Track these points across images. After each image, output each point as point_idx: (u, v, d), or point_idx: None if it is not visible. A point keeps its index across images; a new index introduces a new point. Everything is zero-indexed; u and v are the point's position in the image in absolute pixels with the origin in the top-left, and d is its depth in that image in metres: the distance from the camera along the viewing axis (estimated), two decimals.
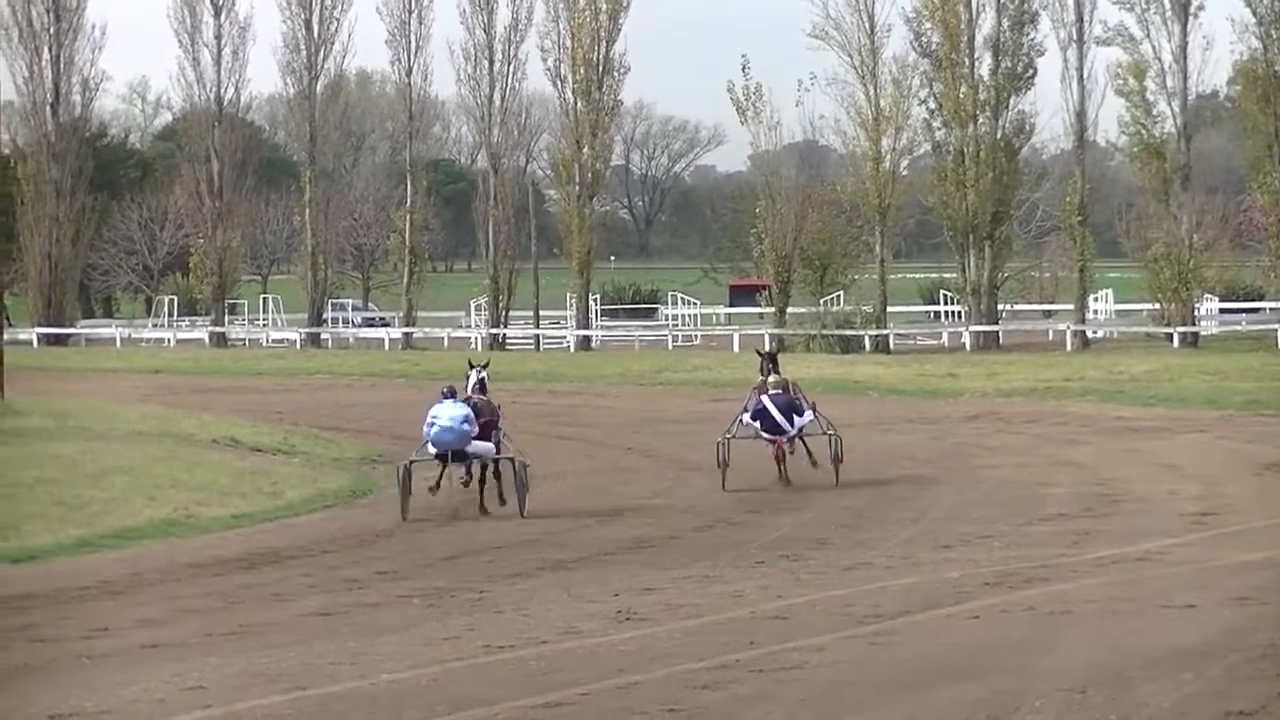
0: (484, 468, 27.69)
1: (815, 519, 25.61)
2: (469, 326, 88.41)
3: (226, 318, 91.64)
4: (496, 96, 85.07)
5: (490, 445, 27.66)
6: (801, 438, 30.18)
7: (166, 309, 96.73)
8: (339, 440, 38.50)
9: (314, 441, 37.40)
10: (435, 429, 27.43)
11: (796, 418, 30.26)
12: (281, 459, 33.66)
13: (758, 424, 30.32)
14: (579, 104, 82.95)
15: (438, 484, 27.40)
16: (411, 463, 27.44)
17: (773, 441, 30.19)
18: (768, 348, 36.26)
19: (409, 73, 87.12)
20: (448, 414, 27.42)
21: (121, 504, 25.83)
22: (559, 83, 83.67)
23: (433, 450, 27.55)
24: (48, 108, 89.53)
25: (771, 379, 30.99)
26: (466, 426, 27.30)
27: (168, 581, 20.31)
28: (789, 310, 79.50)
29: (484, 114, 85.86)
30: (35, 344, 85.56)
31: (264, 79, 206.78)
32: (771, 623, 16.73)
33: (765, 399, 30.37)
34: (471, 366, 29.61)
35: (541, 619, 17.14)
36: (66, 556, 22.07)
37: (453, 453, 27.38)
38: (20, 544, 22.43)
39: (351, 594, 19.14)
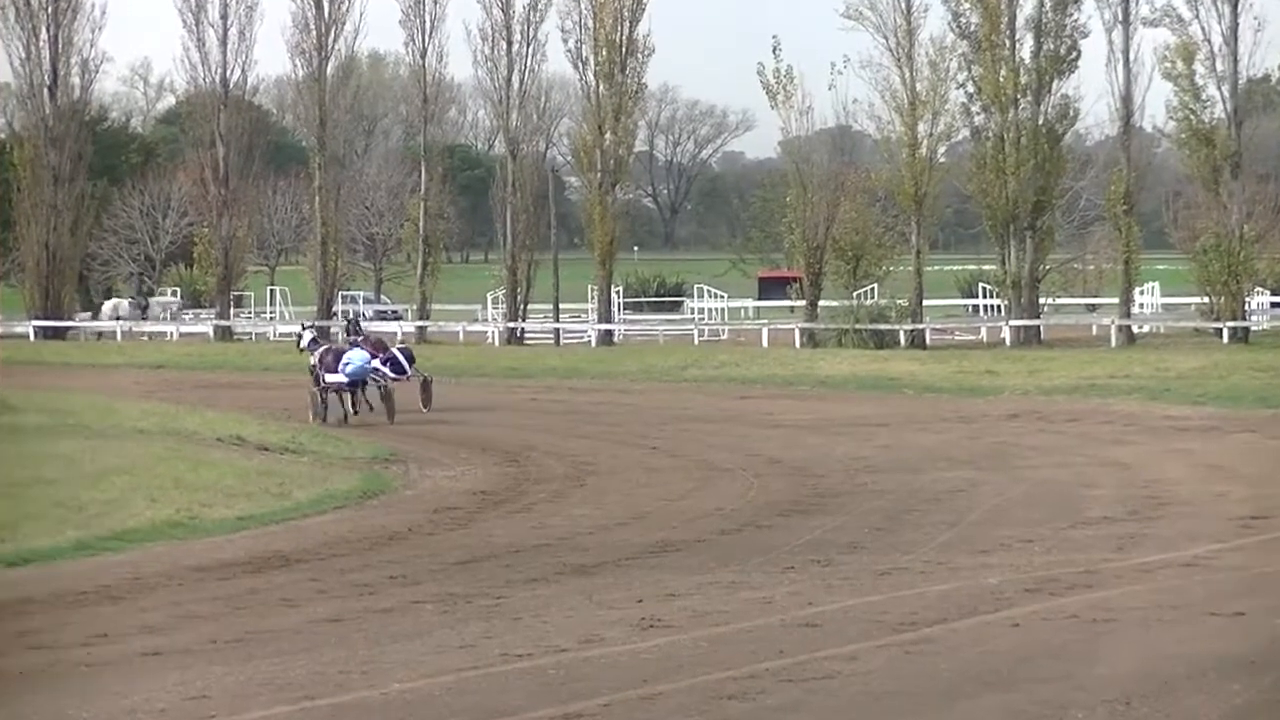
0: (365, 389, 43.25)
1: (847, 522, 25.45)
2: (485, 320, 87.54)
3: (232, 310, 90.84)
4: (515, 79, 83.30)
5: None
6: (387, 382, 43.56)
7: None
8: (349, 438, 38.23)
9: (323, 440, 37.29)
10: (351, 366, 42.31)
11: (411, 364, 45.46)
12: (289, 458, 33.74)
13: (387, 367, 44.11)
14: (601, 87, 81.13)
15: (354, 410, 42.56)
16: (324, 390, 42.36)
17: (397, 379, 44.10)
18: (350, 315, 53.86)
19: (423, 54, 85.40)
20: (358, 357, 42.59)
21: (122, 505, 25.87)
22: (580, 65, 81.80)
23: (346, 380, 42.25)
24: (45, 90, 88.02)
25: (400, 338, 48.67)
26: (369, 366, 42.93)
27: (170, 586, 20.25)
28: (821, 303, 77.91)
29: (502, 97, 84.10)
30: (32, 337, 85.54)
31: (272, 60, 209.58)
32: (802, 630, 16.75)
33: (397, 351, 45.95)
34: (304, 328, 50.93)
35: (561, 626, 17.14)
36: (65, 559, 22.03)
37: (360, 381, 42.62)
38: (17, 546, 22.32)
39: (362, 599, 19.11)
